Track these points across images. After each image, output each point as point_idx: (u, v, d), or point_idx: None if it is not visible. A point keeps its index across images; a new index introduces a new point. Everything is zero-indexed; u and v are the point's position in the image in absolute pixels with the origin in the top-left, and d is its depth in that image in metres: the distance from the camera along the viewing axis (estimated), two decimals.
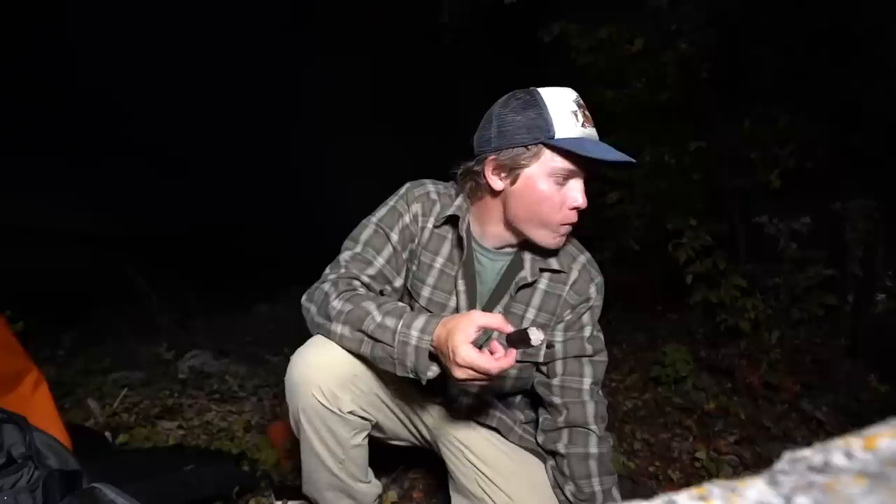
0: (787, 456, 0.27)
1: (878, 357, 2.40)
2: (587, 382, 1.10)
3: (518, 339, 0.86)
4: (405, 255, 1.10)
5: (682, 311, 3.03)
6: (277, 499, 1.43)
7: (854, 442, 0.26)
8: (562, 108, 0.97)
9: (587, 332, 1.12)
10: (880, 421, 0.27)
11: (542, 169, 0.98)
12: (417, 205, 1.10)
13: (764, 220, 2.46)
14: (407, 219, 1.09)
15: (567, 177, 0.99)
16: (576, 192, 0.99)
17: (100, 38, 7.69)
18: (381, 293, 1.10)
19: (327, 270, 1.08)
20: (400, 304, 1.00)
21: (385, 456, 1.57)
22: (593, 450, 1.08)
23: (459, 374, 0.86)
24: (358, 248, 1.08)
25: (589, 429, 1.09)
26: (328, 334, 1.01)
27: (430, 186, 1.13)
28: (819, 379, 2.32)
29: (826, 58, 2.81)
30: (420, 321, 0.93)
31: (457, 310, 1.09)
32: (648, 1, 3.01)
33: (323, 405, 1.01)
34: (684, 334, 2.88)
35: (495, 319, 0.87)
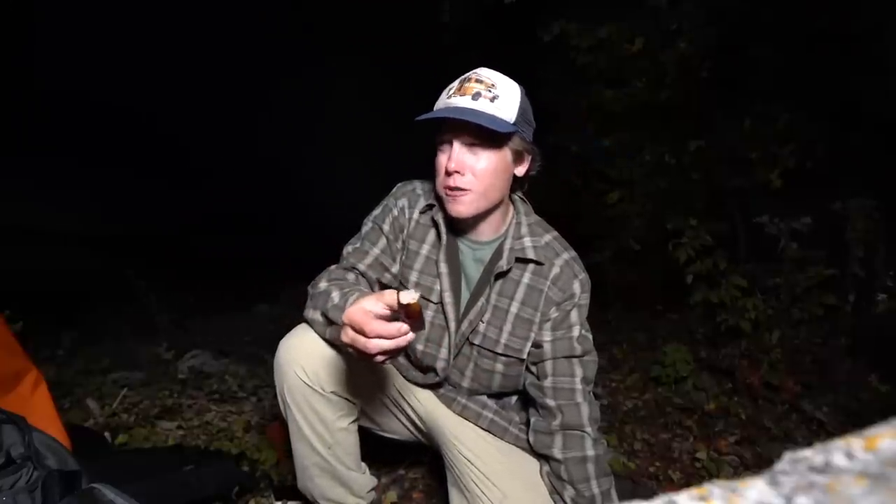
0: (788, 456, 0.27)
1: (879, 357, 2.39)
2: (579, 383, 1.10)
3: (402, 310, 0.84)
4: (398, 245, 1.18)
5: (682, 311, 3.03)
6: (277, 499, 1.43)
7: (855, 442, 0.25)
8: (449, 86, 1.06)
9: (576, 332, 1.11)
10: (881, 421, 0.27)
11: (437, 141, 1.07)
12: (404, 199, 1.18)
13: (764, 219, 2.45)
14: (395, 212, 1.17)
15: (445, 143, 1.04)
16: (445, 157, 1.04)
17: (100, 40, 7.69)
18: (379, 281, 1.16)
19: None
20: (364, 290, 1.04)
21: (385, 457, 1.57)
22: (590, 452, 1.08)
23: (345, 334, 0.88)
24: (357, 243, 1.18)
25: (584, 431, 1.08)
26: (308, 311, 1.09)
27: (417, 183, 1.21)
28: (819, 379, 2.31)
29: (825, 57, 2.81)
30: (356, 296, 0.95)
31: (441, 292, 1.12)
32: (648, 0, 3.01)
33: (305, 383, 1.08)
34: (684, 334, 2.88)
35: (390, 296, 0.86)
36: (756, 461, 1.80)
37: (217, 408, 2.04)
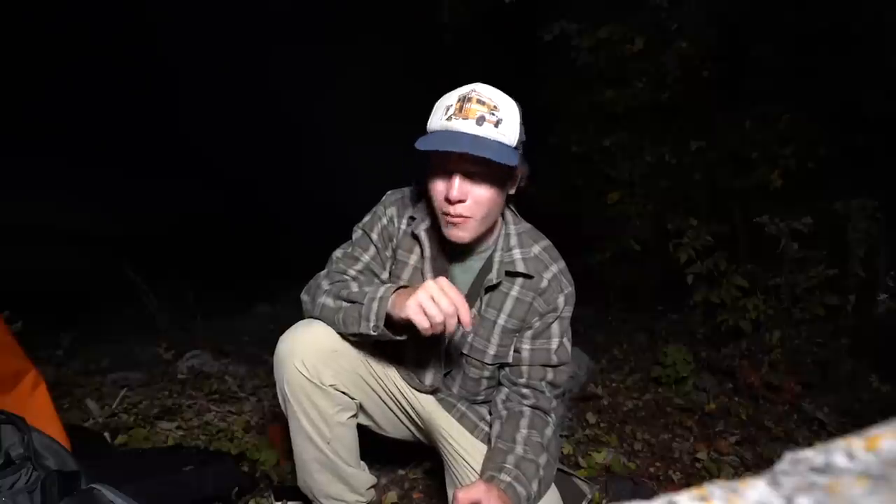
0: (789, 456, 0.26)
1: (880, 357, 2.39)
2: (548, 386, 1.15)
3: None
4: (387, 253, 1.19)
5: (682, 311, 3.03)
6: (277, 499, 1.42)
7: (856, 443, 0.25)
8: (442, 104, 1.00)
9: (554, 343, 1.14)
10: (882, 421, 0.27)
11: (433, 162, 1.02)
12: (393, 208, 1.18)
13: (765, 219, 2.45)
14: (384, 221, 1.17)
15: (444, 169, 1.00)
16: (447, 184, 0.99)
17: (99, 39, 7.70)
18: None
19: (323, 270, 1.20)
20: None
21: (385, 457, 1.57)
22: (549, 433, 1.11)
23: (422, 293, 0.92)
24: (348, 249, 1.20)
25: (549, 418, 1.13)
26: (313, 306, 1.11)
27: (406, 190, 1.20)
28: (820, 379, 2.31)
29: (826, 57, 2.81)
30: (389, 284, 1.03)
31: None
32: (649, 0, 3.01)
33: (304, 376, 1.09)
34: (685, 334, 2.88)
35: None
36: (757, 461, 1.80)
37: (217, 408, 2.04)
